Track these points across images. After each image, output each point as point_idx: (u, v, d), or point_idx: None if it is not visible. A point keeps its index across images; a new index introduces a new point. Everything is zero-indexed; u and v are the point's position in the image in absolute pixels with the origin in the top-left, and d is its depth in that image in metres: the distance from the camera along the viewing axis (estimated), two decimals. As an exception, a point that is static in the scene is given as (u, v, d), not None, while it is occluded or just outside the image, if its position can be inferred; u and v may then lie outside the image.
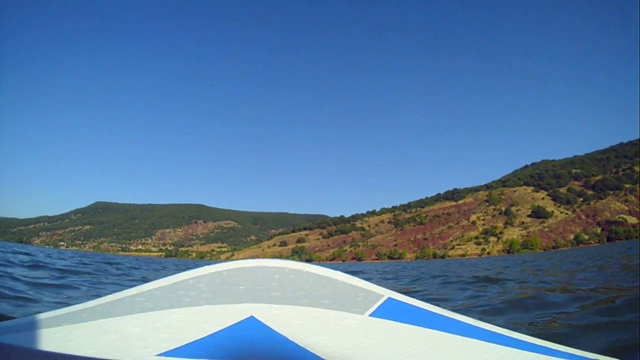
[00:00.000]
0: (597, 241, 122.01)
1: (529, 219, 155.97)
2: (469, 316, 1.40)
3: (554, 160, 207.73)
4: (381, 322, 1.40)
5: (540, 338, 1.29)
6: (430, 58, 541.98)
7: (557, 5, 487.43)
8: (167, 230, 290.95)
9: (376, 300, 1.45)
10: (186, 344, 1.22)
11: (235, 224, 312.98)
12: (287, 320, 1.38)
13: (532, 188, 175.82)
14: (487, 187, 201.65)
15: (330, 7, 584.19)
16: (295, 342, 1.28)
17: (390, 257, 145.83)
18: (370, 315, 1.43)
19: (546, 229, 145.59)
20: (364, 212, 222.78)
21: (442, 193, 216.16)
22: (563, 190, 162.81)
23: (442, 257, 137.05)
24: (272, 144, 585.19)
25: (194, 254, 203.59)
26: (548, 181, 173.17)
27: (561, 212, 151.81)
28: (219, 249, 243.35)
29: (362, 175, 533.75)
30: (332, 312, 1.44)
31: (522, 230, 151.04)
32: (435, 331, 1.36)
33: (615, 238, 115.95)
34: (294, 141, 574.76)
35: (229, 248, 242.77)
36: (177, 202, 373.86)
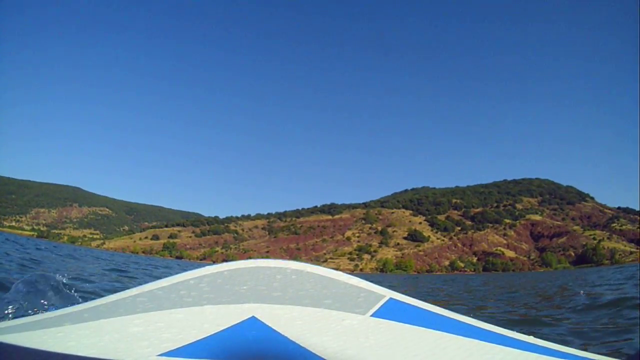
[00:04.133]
0: (472, 270, 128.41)
1: (404, 241, 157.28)
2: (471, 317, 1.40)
3: (434, 188, 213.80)
4: (383, 322, 1.41)
5: (542, 339, 1.30)
6: (314, 74, 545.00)
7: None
8: (42, 210, 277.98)
9: (378, 300, 1.45)
10: (188, 344, 1.21)
11: (110, 211, 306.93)
12: (288, 321, 1.38)
13: (411, 212, 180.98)
14: (365, 205, 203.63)
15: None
16: (297, 342, 1.28)
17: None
18: (372, 315, 1.43)
19: (421, 253, 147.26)
20: (239, 215, 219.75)
21: (319, 206, 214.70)
22: (441, 217, 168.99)
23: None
24: (151, 136, 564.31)
25: (65, 238, 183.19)
26: (427, 207, 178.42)
27: (437, 238, 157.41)
28: (91, 235, 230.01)
29: (239, 179, 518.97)
30: (334, 313, 1.44)
31: (397, 251, 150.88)
32: (437, 332, 1.37)
33: (492, 269, 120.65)
34: (173, 136, 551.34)
35: (101, 235, 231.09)
36: (54, 181, 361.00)
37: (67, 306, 1.33)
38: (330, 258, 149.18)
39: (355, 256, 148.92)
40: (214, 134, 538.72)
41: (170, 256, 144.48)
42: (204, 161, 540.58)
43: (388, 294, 1.46)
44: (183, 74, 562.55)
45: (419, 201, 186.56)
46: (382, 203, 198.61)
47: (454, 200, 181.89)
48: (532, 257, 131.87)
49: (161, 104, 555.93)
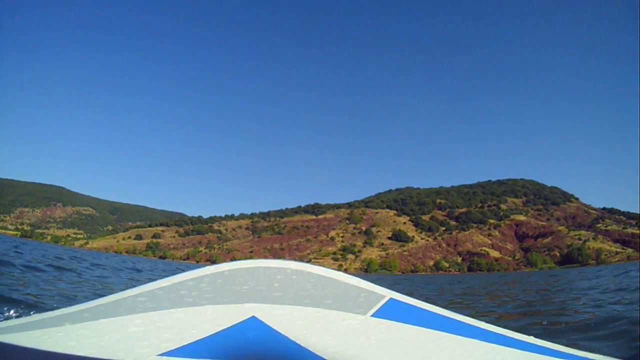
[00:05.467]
0: (457, 270, 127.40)
1: (389, 241, 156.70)
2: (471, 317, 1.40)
3: (419, 188, 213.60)
4: (383, 322, 1.41)
5: (541, 339, 1.30)
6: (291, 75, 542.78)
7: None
8: (26, 209, 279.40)
9: (378, 300, 1.45)
10: (188, 344, 1.22)
11: (94, 211, 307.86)
12: (288, 321, 1.38)
13: (395, 212, 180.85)
14: (349, 205, 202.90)
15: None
16: (297, 342, 1.28)
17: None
18: (372, 315, 1.44)
19: (406, 253, 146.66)
20: (223, 215, 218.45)
21: (302, 206, 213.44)
22: (426, 217, 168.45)
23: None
24: (135, 136, 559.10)
25: (49, 237, 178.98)
26: (411, 207, 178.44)
27: (422, 238, 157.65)
28: (74, 235, 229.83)
29: (223, 179, 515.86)
30: (334, 313, 1.44)
31: (381, 251, 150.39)
32: (437, 332, 1.37)
33: (477, 269, 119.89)
34: (158, 135, 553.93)
35: (85, 235, 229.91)
36: (38, 180, 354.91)
37: (67, 306, 1.33)
38: (314, 258, 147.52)
39: (339, 256, 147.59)
40: (198, 133, 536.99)
41: (154, 256, 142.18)
42: (188, 161, 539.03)
43: (388, 294, 1.46)
44: (167, 73, 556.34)
45: (403, 201, 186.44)
46: (367, 203, 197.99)
47: (438, 201, 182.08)
48: (517, 257, 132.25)
49: (145, 104, 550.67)
